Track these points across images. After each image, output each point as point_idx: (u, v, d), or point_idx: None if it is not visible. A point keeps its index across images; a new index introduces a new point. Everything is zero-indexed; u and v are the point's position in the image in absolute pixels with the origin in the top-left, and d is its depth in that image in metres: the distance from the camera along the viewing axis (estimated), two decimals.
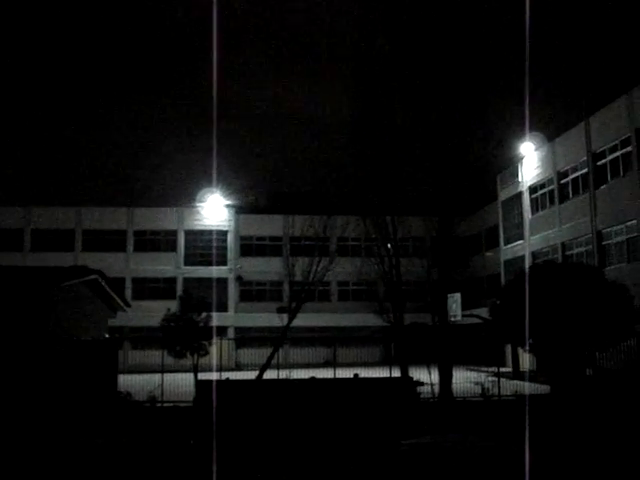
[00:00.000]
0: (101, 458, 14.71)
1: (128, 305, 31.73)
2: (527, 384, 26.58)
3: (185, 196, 54.48)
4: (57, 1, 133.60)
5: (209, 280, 47.13)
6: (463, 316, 34.06)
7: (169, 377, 25.15)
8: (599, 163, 32.34)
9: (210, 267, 49.61)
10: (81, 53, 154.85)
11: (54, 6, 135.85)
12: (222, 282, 50.27)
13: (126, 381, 24.72)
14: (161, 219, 51.91)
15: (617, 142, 30.94)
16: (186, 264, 51.26)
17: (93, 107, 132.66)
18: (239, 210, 53.38)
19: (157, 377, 24.98)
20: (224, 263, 51.35)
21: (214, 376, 24.90)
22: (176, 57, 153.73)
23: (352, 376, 24.00)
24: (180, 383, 24.84)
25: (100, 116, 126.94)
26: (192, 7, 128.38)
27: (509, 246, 42.81)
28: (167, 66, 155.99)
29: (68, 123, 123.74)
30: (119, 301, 30.14)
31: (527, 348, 24.07)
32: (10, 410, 18.39)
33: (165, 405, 23.15)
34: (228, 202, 52.59)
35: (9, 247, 48.98)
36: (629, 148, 29.87)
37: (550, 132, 38.35)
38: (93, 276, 26.79)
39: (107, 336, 29.13)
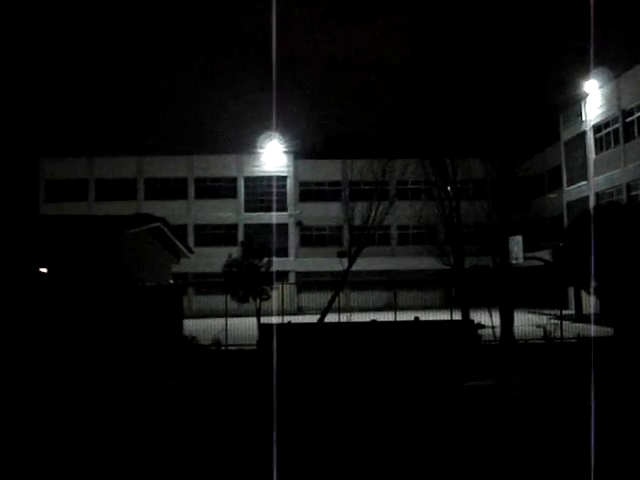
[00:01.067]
0: (174, 397, 15.22)
1: (191, 252, 32.28)
2: (590, 327, 26.33)
3: (244, 143, 54.83)
4: None
5: (269, 226, 47.57)
6: (525, 259, 33.67)
7: (233, 321, 25.65)
8: None
9: (270, 213, 49.95)
10: (139, 3, 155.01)
11: None
12: (282, 228, 50.67)
13: (191, 326, 25.32)
14: (221, 166, 52.34)
15: None
16: (246, 210, 51.76)
17: (153, 56, 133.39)
18: (298, 155, 53.42)
19: (221, 321, 25.50)
20: (284, 209, 51.68)
21: (276, 320, 25.29)
22: (234, 2, 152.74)
23: (412, 319, 24.11)
24: (243, 327, 25.31)
25: (160, 64, 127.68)
26: None
27: (572, 187, 41.93)
28: (226, 12, 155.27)
29: (128, 73, 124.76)
30: (182, 248, 30.66)
31: (591, 291, 23.78)
32: (81, 351, 19.09)
33: (229, 349, 23.68)
34: (287, 148, 52.65)
35: (75, 197, 50.28)
36: None
37: (615, 68, 37.11)
38: (156, 224, 27.25)
39: (172, 282, 29.78)
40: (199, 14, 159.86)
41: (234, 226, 51.30)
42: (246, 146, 52.80)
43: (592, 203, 35.84)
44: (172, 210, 46.99)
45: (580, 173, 40.77)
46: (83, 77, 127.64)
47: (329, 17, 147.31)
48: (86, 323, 20.29)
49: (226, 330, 24.51)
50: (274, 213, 49.84)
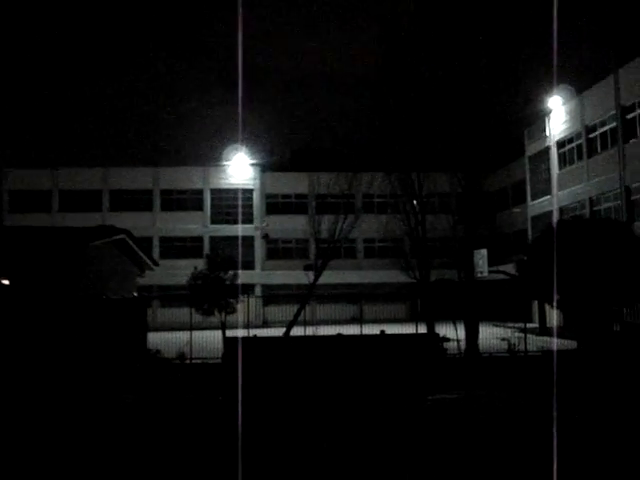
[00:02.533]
0: (131, 414, 15.01)
1: (156, 264, 31.98)
2: (554, 340, 26.56)
3: (211, 155, 54.64)
4: None
5: (235, 238, 47.33)
6: (489, 272, 33.88)
7: (197, 334, 25.45)
8: (628, 117, 31.70)
9: (236, 225, 49.74)
10: (106, 13, 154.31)
11: None
12: (248, 240, 50.47)
13: (155, 339, 25.06)
14: (187, 178, 52.05)
15: None
16: (212, 223, 51.51)
17: (118, 66, 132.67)
18: (264, 168, 53.34)
19: (186, 335, 25.29)
20: (250, 221, 51.51)
21: (242, 333, 25.15)
22: (202, 14, 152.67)
23: (378, 332, 24.15)
24: (208, 340, 25.13)
25: (125, 75, 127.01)
26: None
27: (536, 202, 42.42)
28: (193, 24, 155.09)
29: (94, 83, 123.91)
30: (147, 260, 30.36)
31: (554, 304, 24.00)
32: (42, 367, 18.76)
33: (194, 362, 23.48)
34: (253, 160, 52.56)
35: (38, 208, 49.61)
36: None
37: (579, 85, 37.66)
38: (121, 236, 26.97)
39: (136, 295, 29.47)
40: (165, 25, 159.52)
41: (200, 238, 51.01)
42: (212, 159, 52.63)
43: (556, 217, 36.23)
44: (137, 222, 46.50)
45: (544, 188, 41.24)
46: (48, 87, 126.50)
47: (297, 30, 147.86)
48: (47, 336, 19.94)
49: (191, 343, 24.30)
50: (240, 226, 49.63)
